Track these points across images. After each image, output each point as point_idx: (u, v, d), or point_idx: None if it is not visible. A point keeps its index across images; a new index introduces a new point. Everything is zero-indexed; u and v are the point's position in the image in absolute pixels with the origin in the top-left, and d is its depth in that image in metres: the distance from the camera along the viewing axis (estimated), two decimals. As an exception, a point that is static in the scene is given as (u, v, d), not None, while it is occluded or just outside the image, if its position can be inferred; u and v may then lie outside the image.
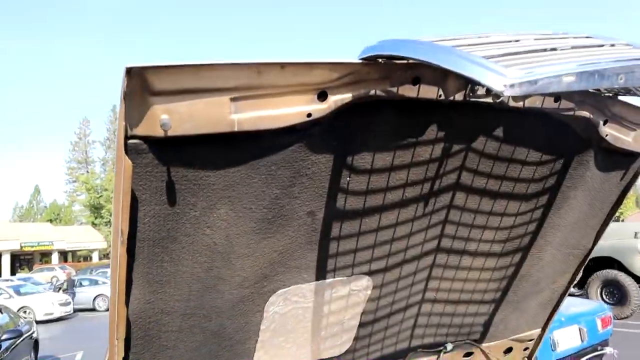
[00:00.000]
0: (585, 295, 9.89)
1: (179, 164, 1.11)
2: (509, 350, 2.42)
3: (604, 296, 9.81)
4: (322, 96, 1.13)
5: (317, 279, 1.60)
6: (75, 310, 19.20)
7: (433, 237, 1.71)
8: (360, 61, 1.10)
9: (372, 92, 1.15)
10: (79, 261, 47.18)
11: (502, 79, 0.73)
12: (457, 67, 0.80)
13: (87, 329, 15.43)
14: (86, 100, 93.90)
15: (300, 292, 1.61)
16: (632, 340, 7.89)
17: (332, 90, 1.13)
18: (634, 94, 1.33)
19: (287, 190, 1.28)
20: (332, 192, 1.36)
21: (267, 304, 1.56)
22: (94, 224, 51.74)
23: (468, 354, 2.34)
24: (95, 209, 52.51)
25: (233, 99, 1.05)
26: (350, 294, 1.73)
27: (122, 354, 1.37)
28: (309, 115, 1.13)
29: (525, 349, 2.46)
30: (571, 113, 1.49)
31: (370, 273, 1.69)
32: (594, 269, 9.87)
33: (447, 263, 1.84)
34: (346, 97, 1.14)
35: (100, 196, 51.88)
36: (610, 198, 1.90)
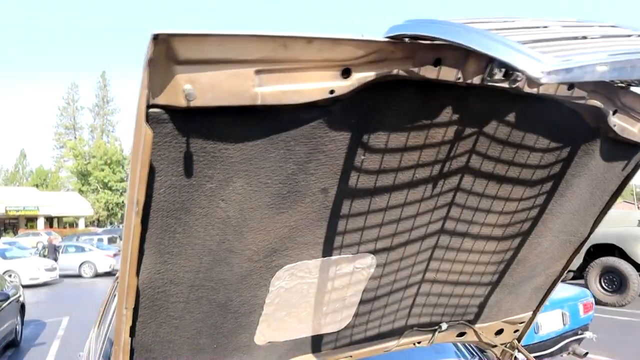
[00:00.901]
0: (585, 282, 9.94)
1: (198, 136, 1.10)
2: (500, 331, 2.48)
3: (603, 283, 9.87)
4: (346, 73, 1.12)
5: (324, 256, 1.62)
6: (61, 277, 19.20)
7: (438, 218, 1.73)
8: (386, 39, 1.09)
9: (395, 71, 1.15)
10: (65, 227, 46.98)
11: (539, 66, 0.73)
12: (493, 51, 0.80)
13: (73, 295, 15.48)
14: (76, 65, 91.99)
15: (307, 267, 1.62)
16: (619, 327, 8.16)
17: (356, 68, 1.12)
18: None
19: (303, 166, 1.28)
20: (346, 170, 1.37)
21: (273, 278, 1.58)
22: (80, 191, 51.36)
23: (461, 334, 2.40)
24: (83, 176, 52.05)
25: (257, 72, 1.03)
26: (354, 272, 1.75)
27: (130, 323, 1.38)
28: (332, 92, 1.12)
29: (516, 330, 2.53)
30: (583, 102, 1.50)
31: (375, 252, 1.71)
32: (595, 256, 9.88)
33: (450, 245, 1.86)
34: (369, 75, 1.13)
35: (88, 163, 51.37)
36: (610, 187, 1.93)
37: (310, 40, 1.03)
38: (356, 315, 1.95)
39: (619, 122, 1.60)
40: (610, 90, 1.50)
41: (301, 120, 1.17)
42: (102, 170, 50.93)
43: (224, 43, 0.98)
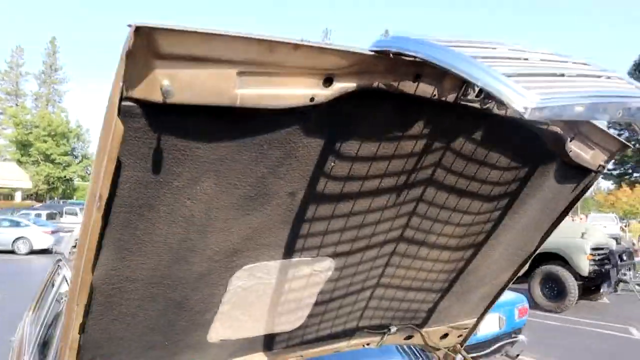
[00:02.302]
0: (528, 287, 10.40)
1: (170, 132, 1.06)
2: (445, 335, 2.57)
3: (545, 290, 10.34)
4: (328, 82, 1.11)
5: (284, 258, 1.61)
6: (-9, 252, 18.09)
7: (398, 226, 1.76)
8: (371, 52, 1.09)
9: (376, 83, 1.15)
10: (-1, 199, 44.30)
11: (523, 101, 0.76)
12: (482, 81, 0.82)
13: (6, 272, 14.62)
14: (23, 29, 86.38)
15: (266, 268, 1.61)
16: (550, 331, 8.65)
17: (339, 78, 1.11)
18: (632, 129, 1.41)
19: (274, 170, 1.27)
20: (315, 175, 1.37)
21: (232, 278, 1.56)
22: (19, 162, 48.46)
23: (409, 337, 2.47)
24: (23, 146, 49.06)
25: (240, 73, 1.00)
26: (312, 274, 1.76)
27: (80, 320, 1.32)
28: (312, 99, 1.11)
29: (459, 335, 2.63)
30: (545, 127, 1.57)
31: (334, 255, 1.72)
32: (540, 262, 10.33)
33: (406, 252, 1.91)
34: (350, 85, 1.13)
35: (30, 133, 48.47)
36: (559, 207, 2.04)
37: (296, 46, 1.01)
38: (310, 316, 1.96)
39: (574, 149, 1.69)
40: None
41: (278, 124, 1.16)
42: (45, 141, 48.15)
43: (209, 41, 0.94)
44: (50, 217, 25.21)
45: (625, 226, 30.01)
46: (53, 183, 50.57)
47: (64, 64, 71.83)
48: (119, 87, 0.93)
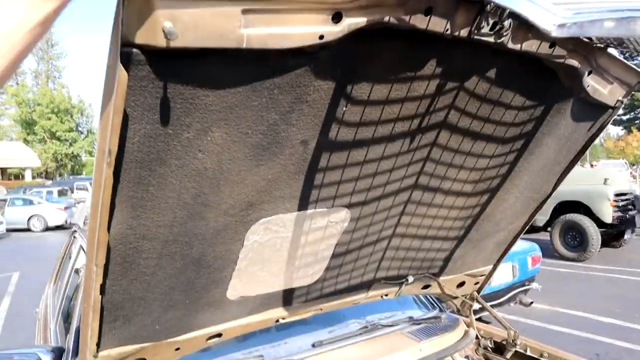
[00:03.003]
0: (550, 238, 10.36)
1: (177, 80, 1.02)
2: (462, 284, 2.58)
3: (567, 239, 10.24)
4: (337, 17, 1.05)
5: (299, 210, 1.59)
6: (8, 231, 18.45)
7: (413, 173, 1.73)
8: None
9: (387, 18, 1.09)
10: (10, 179, 44.74)
11: (552, 18, 0.71)
12: (505, 0, 0.76)
13: (22, 249, 14.94)
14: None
15: (281, 221, 1.60)
16: (561, 278, 8.74)
17: (348, 13, 1.05)
18: (626, 47, 1.35)
19: (285, 117, 1.22)
20: (327, 121, 1.32)
21: (248, 233, 1.55)
22: (26, 141, 48.61)
23: (426, 287, 2.48)
24: (28, 125, 49.04)
25: (245, 11, 0.95)
26: (328, 226, 1.75)
27: (100, 281, 1.32)
28: (321, 37, 1.05)
29: (476, 283, 2.64)
30: (562, 60, 1.50)
31: (349, 206, 1.70)
32: (561, 212, 10.18)
33: (421, 200, 1.88)
34: (360, 21, 1.07)
35: (33, 111, 48.29)
36: (575, 147, 1.99)
37: None
38: (327, 269, 1.96)
39: (592, 83, 1.62)
40: (588, 50, 1.51)
41: (287, 66, 1.10)
42: (49, 119, 48.02)
43: None
44: (62, 193, 25.49)
45: (636, 172, 29.79)
46: (61, 160, 50.84)
47: (60, 38, 70.87)
48: (119, 32, 0.88)
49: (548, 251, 9.88)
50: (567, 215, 10.12)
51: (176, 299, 1.62)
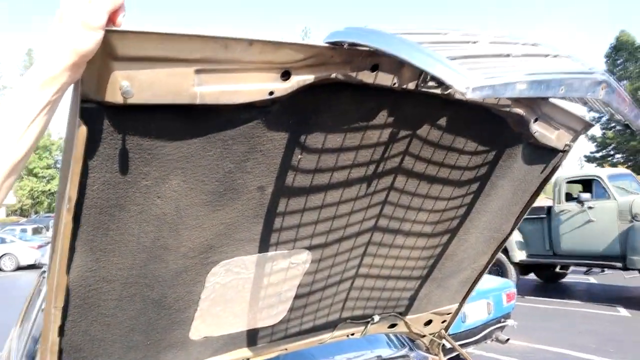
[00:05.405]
0: None
1: (134, 133, 1.08)
2: (429, 322, 2.61)
3: (491, 272, 10.82)
4: (286, 75, 1.13)
5: (260, 252, 1.64)
6: (-22, 269, 17.81)
7: (372, 216, 1.79)
8: (326, 44, 1.12)
9: (334, 75, 1.18)
10: (-17, 217, 43.51)
11: (465, 81, 0.79)
12: (424, 64, 0.85)
13: (-9, 289, 14.41)
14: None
15: (243, 263, 1.63)
16: (538, 314, 8.79)
17: (296, 71, 1.14)
18: (590, 107, 1.46)
19: (240, 165, 1.29)
20: (283, 168, 1.39)
21: (209, 274, 1.58)
22: (1, 178, 47.50)
23: (392, 325, 2.51)
24: (4, 162, 48.13)
25: (197, 71, 1.02)
26: (290, 267, 1.78)
27: (59, 322, 1.33)
28: (271, 93, 1.13)
29: (443, 321, 2.67)
30: (507, 109, 1.61)
31: (310, 248, 1.74)
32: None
33: (382, 241, 1.94)
34: (308, 78, 1.16)
35: (10, 148, 47.53)
36: (531, 188, 2.09)
37: (251, 42, 1.03)
38: (291, 309, 1.98)
39: (539, 130, 1.73)
40: (532, 100, 1.62)
41: (240, 120, 1.18)
42: (27, 155, 47.36)
43: (165, 42, 0.96)
44: (36, 231, 24.87)
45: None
46: (37, 197, 49.81)
47: (42, 76, 70.48)
48: (79, 89, 0.95)
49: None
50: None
51: (137, 340, 1.62)
